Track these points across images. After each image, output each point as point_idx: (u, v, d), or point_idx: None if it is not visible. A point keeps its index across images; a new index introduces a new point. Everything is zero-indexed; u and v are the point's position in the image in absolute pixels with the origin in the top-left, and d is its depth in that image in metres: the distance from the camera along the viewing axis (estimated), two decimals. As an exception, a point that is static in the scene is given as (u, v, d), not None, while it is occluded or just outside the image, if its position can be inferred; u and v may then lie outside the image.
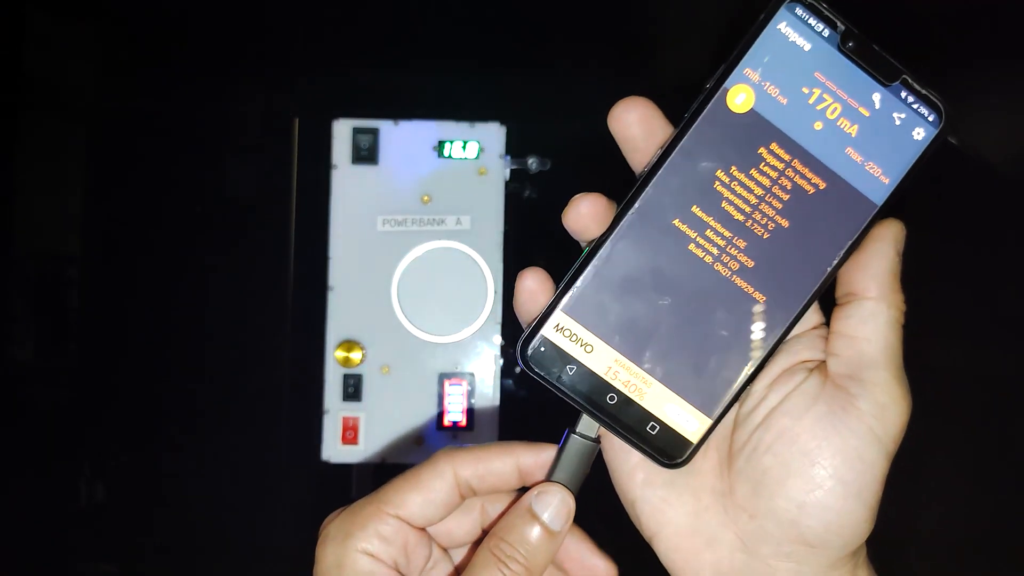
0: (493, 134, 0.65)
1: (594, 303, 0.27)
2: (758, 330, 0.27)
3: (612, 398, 0.27)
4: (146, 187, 0.73)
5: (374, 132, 0.64)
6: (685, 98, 0.27)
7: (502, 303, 0.65)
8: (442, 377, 0.64)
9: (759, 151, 0.26)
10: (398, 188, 0.64)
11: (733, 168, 0.27)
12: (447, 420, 0.64)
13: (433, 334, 0.64)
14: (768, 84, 0.26)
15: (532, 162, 0.67)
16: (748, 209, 0.27)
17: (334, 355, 0.63)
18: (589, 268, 0.27)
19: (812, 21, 0.26)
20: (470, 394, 0.64)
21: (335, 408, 0.63)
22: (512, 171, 0.66)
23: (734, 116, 0.26)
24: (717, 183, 0.27)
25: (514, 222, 0.65)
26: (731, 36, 0.27)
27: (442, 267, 0.64)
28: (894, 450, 0.26)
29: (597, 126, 0.28)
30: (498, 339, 0.65)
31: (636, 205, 0.27)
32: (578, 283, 0.27)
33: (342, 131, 0.64)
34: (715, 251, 0.27)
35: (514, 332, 0.62)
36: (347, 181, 0.64)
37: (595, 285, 0.27)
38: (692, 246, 0.27)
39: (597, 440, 0.28)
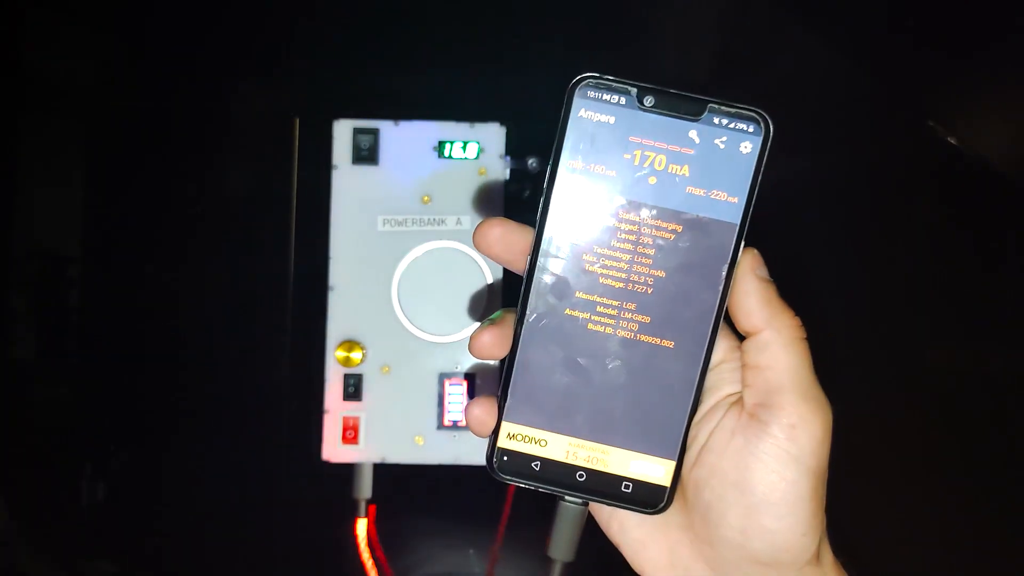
0: (493, 134, 0.65)
1: (530, 404, 0.30)
2: (681, 370, 0.29)
3: (581, 475, 0.30)
4: (146, 187, 0.73)
5: (374, 132, 0.64)
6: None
7: (502, 303, 0.65)
8: (442, 377, 0.64)
9: (610, 224, 0.29)
10: (398, 188, 0.64)
11: (595, 248, 0.29)
12: (447, 420, 0.64)
13: (433, 334, 0.64)
14: (593, 165, 0.28)
15: (532, 162, 0.67)
16: (624, 275, 0.29)
17: (334, 355, 0.63)
18: (513, 377, 0.30)
19: (605, 96, 0.28)
20: (470, 394, 0.64)
21: (335, 408, 0.63)
22: (512, 171, 0.66)
23: (577, 204, 0.29)
24: (587, 264, 0.29)
25: (514, 222, 0.65)
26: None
27: (442, 267, 0.64)
28: (817, 464, 0.28)
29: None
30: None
31: (527, 312, 0.29)
32: (510, 393, 0.30)
33: (342, 131, 0.64)
34: (612, 321, 0.29)
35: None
36: (347, 181, 0.64)
37: (524, 390, 0.30)
38: (591, 325, 0.29)
39: (585, 504, 0.31)
